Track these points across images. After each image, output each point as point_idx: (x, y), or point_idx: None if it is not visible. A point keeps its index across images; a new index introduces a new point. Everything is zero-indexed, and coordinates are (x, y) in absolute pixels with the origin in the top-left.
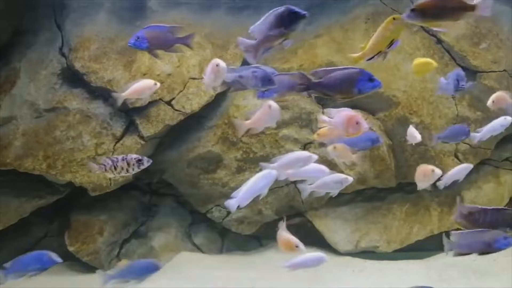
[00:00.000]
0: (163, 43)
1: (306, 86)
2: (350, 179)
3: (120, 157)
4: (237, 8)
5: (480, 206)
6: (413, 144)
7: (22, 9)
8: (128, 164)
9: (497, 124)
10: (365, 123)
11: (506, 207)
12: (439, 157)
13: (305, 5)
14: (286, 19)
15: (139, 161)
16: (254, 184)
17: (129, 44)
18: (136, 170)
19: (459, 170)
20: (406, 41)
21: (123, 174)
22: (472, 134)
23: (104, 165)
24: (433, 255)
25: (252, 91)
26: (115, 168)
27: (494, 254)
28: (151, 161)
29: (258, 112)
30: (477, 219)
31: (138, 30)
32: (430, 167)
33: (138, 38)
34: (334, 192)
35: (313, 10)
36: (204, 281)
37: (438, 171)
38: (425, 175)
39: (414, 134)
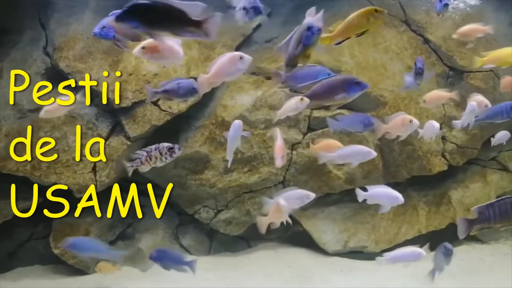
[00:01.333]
0: (131, 32)
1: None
2: (312, 195)
3: (153, 146)
4: (224, 7)
5: (485, 204)
6: (431, 139)
7: (6, 8)
8: (161, 153)
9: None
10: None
11: (507, 196)
12: (427, 156)
13: (293, 5)
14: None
15: (170, 150)
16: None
17: (93, 34)
18: (169, 159)
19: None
20: (393, 41)
21: (158, 163)
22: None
23: (139, 158)
24: None
25: (241, 91)
26: (150, 159)
27: (481, 253)
28: (181, 149)
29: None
30: (488, 216)
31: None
32: (409, 117)
33: (103, 27)
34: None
35: (301, 9)
36: (192, 283)
37: (416, 122)
38: (403, 124)
39: (433, 124)
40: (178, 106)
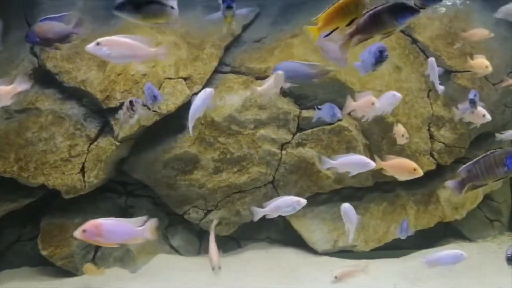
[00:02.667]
0: (54, 36)
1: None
2: (303, 202)
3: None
4: (213, 7)
5: (470, 162)
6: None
7: None
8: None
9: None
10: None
11: (491, 151)
12: (415, 156)
13: (283, 4)
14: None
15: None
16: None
17: (25, 39)
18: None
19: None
20: (381, 41)
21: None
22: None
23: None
24: (410, 253)
25: (231, 91)
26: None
27: (468, 251)
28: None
29: None
30: (476, 173)
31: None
32: (373, 98)
33: (30, 33)
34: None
35: (291, 9)
36: (182, 283)
37: (378, 104)
38: (366, 106)
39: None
40: (167, 106)
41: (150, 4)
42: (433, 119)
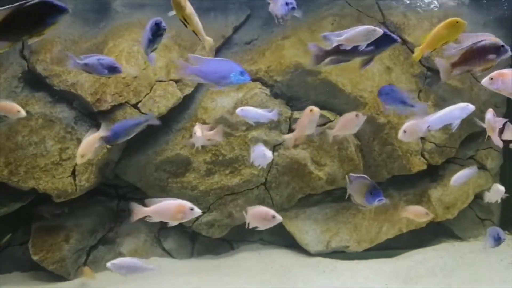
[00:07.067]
0: None
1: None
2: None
3: None
4: (203, 9)
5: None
6: None
7: None
8: None
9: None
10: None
11: (482, 39)
12: (406, 156)
13: None
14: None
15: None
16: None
17: None
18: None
19: None
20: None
21: None
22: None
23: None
24: (402, 253)
25: (222, 93)
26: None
27: (460, 250)
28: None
29: None
30: (472, 55)
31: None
32: (354, 113)
33: None
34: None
35: None
36: (175, 287)
37: (362, 117)
38: (348, 119)
39: None
40: (159, 108)
41: None
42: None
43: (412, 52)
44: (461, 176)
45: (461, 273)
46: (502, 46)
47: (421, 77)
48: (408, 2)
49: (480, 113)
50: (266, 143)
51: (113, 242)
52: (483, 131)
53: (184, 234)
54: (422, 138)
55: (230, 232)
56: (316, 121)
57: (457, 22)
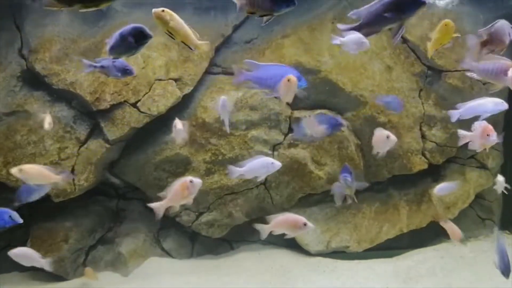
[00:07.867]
0: None
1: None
2: (278, 165)
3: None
4: (203, 8)
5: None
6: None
7: None
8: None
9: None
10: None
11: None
12: (407, 155)
13: None
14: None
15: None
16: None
17: None
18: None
19: None
20: (373, 41)
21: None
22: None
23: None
24: (403, 253)
25: (222, 92)
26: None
27: (461, 250)
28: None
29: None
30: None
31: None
32: (386, 132)
33: None
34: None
35: None
36: (175, 287)
37: (393, 137)
38: (380, 140)
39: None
40: (158, 108)
41: None
42: (425, 119)
43: (413, 51)
44: (444, 188)
45: (461, 273)
46: None
47: (421, 76)
48: None
49: None
50: (266, 142)
51: (112, 242)
52: None
53: (183, 234)
54: (423, 137)
55: (230, 232)
56: (294, 92)
57: (445, 24)
